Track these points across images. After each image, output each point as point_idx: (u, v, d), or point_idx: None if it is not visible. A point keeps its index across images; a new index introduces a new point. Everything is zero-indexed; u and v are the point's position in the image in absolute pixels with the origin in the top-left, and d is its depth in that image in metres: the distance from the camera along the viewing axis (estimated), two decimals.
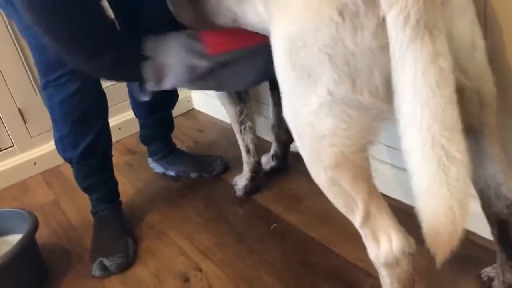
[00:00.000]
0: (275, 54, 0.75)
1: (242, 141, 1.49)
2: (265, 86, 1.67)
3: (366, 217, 0.76)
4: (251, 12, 0.91)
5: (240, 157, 1.60)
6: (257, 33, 1.00)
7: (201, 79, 1.14)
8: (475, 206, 1.12)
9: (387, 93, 0.65)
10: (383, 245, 0.76)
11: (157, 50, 1.14)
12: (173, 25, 1.30)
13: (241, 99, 1.43)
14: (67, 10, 0.99)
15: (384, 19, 0.60)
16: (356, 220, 0.77)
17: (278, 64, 0.74)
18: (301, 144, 0.76)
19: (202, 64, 1.12)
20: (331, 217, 1.34)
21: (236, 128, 1.48)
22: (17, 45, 1.82)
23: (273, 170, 1.60)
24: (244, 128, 1.47)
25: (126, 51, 1.14)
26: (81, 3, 1.02)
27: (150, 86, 1.17)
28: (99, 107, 1.35)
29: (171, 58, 1.13)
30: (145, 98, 1.23)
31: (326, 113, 0.68)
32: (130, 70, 1.15)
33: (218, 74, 1.14)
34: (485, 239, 1.12)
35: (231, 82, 1.19)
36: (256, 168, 1.51)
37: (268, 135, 1.81)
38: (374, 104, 0.66)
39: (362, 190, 0.74)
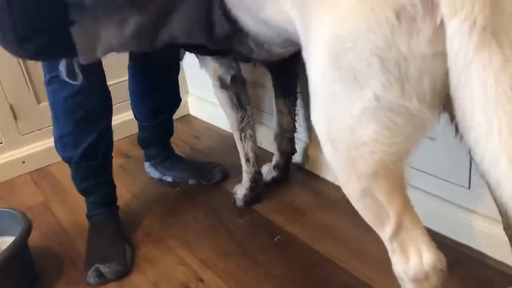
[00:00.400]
0: (311, 56, 0.72)
1: (242, 149, 1.46)
2: (267, 94, 1.66)
3: (397, 230, 0.73)
4: (271, 7, 0.88)
5: (239, 165, 1.57)
6: None
7: (135, 36, 1.03)
8: (489, 227, 1.12)
9: (433, 101, 0.63)
10: (413, 259, 0.73)
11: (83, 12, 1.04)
12: None
13: (242, 106, 1.40)
14: None
15: (442, 25, 0.58)
16: (385, 233, 0.75)
17: (316, 66, 0.71)
18: (333, 151, 0.73)
19: (132, 17, 1.01)
20: (335, 231, 1.32)
21: (236, 136, 1.45)
22: None
23: (274, 181, 1.57)
24: (245, 136, 1.44)
25: (54, 22, 1.04)
26: None
27: (83, 58, 1.06)
28: (104, 106, 1.30)
29: (100, 17, 1.03)
30: (76, 81, 1.17)
31: (370, 119, 0.65)
32: (60, 42, 1.05)
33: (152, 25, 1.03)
34: (500, 262, 1.12)
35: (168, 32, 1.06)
36: (256, 177, 1.47)
37: (268, 145, 1.78)
38: (421, 112, 0.63)
39: (397, 201, 0.72)
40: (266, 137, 1.78)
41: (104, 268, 1.23)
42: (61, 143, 1.30)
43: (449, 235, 1.19)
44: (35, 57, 1.13)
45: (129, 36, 1.02)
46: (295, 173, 1.60)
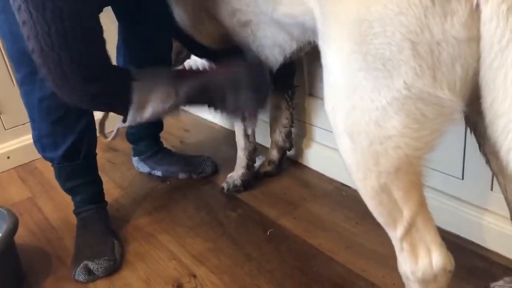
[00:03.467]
0: (331, 43, 0.68)
1: (241, 128, 1.44)
2: None
3: (409, 229, 0.71)
4: (289, 1, 0.86)
5: (229, 158, 1.56)
6: None
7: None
8: (482, 217, 1.12)
9: (463, 90, 0.60)
10: (422, 260, 0.72)
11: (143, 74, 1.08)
12: (173, 31, 1.27)
13: None
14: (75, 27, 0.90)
15: (478, 7, 0.56)
16: (397, 231, 0.72)
17: (337, 54, 0.66)
18: (351, 145, 0.68)
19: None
20: (328, 223, 1.32)
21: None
22: None
23: (266, 175, 1.55)
24: None
25: (117, 77, 1.07)
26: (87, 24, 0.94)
27: (131, 117, 1.07)
28: None
29: (154, 81, 1.08)
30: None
31: (397, 110, 0.61)
32: (120, 95, 1.06)
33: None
34: (492, 252, 1.12)
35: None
36: (251, 159, 1.48)
37: (261, 138, 1.76)
38: (452, 102, 0.61)
39: (413, 199, 0.69)
40: (258, 130, 1.76)
41: (92, 265, 1.20)
42: (40, 144, 1.26)
43: (442, 226, 1.18)
44: (91, 101, 1.04)
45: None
46: (287, 166, 1.59)
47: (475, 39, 0.57)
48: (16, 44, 1.11)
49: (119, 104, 1.08)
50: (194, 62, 1.26)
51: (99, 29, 0.99)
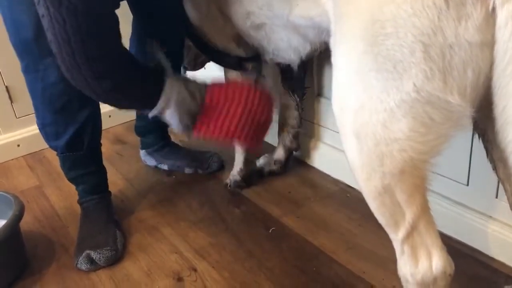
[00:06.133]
0: (342, 43, 0.68)
1: None
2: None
3: (410, 232, 0.70)
4: (306, 5, 0.86)
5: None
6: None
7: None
8: (486, 225, 1.11)
9: (473, 96, 0.60)
10: (422, 263, 0.71)
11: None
12: (187, 29, 1.30)
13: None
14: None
15: (493, 12, 0.55)
16: (398, 233, 0.72)
17: (348, 54, 0.66)
18: (357, 145, 0.68)
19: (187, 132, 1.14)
20: (330, 224, 1.31)
21: None
22: None
23: (271, 174, 1.56)
24: None
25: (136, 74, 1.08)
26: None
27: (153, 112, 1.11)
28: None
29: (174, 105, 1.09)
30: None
31: (405, 113, 0.61)
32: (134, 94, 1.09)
33: None
34: (495, 260, 1.11)
35: None
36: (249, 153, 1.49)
37: (268, 138, 1.76)
38: (461, 107, 0.60)
39: (417, 202, 0.69)
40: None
41: (95, 254, 1.21)
42: (44, 132, 1.27)
43: (445, 231, 1.18)
44: (103, 95, 1.05)
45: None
46: (293, 165, 1.58)
47: (488, 44, 0.57)
48: (18, 33, 1.12)
49: (134, 102, 1.11)
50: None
51: (114, 26, 1.00)
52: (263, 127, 1.15)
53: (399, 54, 0.59)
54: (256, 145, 1.18)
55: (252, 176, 1.52)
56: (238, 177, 1.50)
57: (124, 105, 1.15)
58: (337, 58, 0.69)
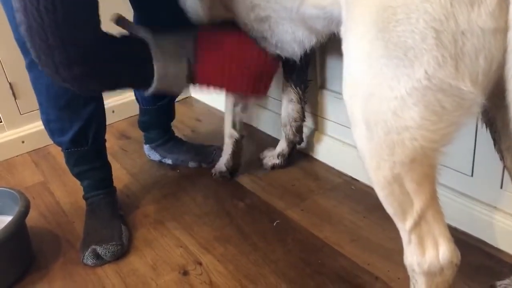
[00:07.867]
0: (353, 30, 0.67)
1: (231, 113, 1.46)
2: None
3: (418, 222, 0.70)
4: None
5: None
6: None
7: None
8: (491, 215, 1.11)
9: (484, 83, 0.59)
10: (429, 252, 0.71)
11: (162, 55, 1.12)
12: (187, 23, 1.28)
13: None
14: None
15: None
16: (406, 223, 0.71)
17: (359, 40, 0.65)
18: (368, 134, 0.67)
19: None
20: (335, 216, 1.31)
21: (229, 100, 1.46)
22: None
23: (274, 167, 1.56)
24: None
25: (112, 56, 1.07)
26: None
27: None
28: None
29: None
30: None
31: (416, 101, 0.60)
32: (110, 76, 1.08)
33: None
34: (500, 250, 1.11)
35: None
36: (238, 145, 1.50)
37: (270, 129, 1.77)
38: (472, 95, 0.59)
39: (426, 192, 0.68)
40: (269, 122, 1.76)
41: (100, 249, 1.22)
42: (49, 129, 1.28)
43: (450, 222, 1.17)
44: (74, 82, 1.02)
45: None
46: (297, 158, 1.58)
47: (502, 30, 0.56)
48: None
49: (110, 83, 1.11)
50: None
51: (92, 9, 0.96)
52: (265, 75, 1.17)
53: (411, 41, 0.58)
54: (259, 93, 1.20)
55: (237, 168, 1.54)
56: (223, 168, 1.51)
57: (105, 89, 1.16)
58: (348, 45, 0.68)
